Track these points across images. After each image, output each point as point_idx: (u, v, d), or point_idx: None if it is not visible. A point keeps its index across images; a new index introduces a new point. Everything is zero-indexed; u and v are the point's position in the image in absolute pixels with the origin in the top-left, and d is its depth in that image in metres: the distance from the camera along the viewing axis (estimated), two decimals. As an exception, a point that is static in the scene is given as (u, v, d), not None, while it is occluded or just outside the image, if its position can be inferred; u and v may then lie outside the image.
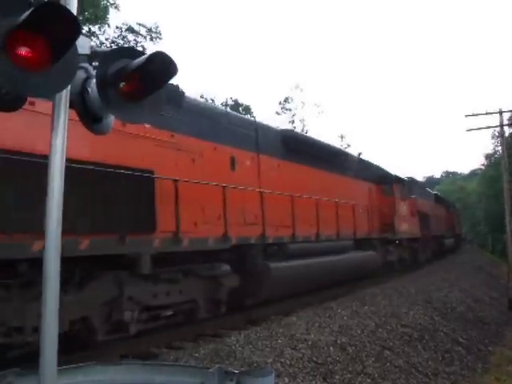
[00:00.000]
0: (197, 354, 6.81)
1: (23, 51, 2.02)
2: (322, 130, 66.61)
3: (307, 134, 15.68)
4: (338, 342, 8.07)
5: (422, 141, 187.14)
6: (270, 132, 12.49)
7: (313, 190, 12.99)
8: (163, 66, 2.32)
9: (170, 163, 8.24)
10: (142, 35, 27.01)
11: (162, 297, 8.12)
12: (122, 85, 2.36)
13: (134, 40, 26.82)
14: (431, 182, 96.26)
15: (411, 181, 25.42)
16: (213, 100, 36.68)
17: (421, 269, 23.24)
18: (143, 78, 2.36)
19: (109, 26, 24.73)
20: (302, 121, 44.59)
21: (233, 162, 10.23)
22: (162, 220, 7.75)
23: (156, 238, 7.68)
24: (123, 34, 26.81)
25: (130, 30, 26.79)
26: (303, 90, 45.47)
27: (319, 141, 15.75)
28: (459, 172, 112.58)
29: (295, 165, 12.65)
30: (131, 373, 3.05)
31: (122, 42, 26.12)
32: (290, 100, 44.81)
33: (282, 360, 6.89)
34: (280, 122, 40.32)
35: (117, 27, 26.57)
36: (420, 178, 72.69)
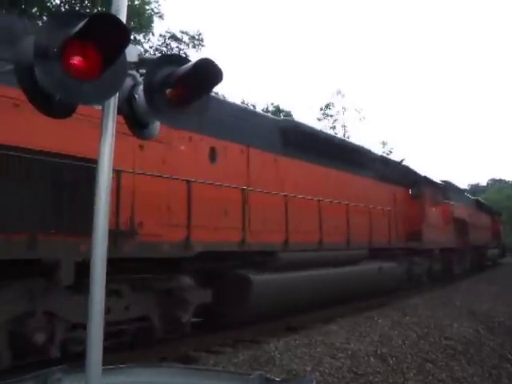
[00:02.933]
0: (236, 360, 6.82)
1: (76, 60, 2.10)
2: (364, 136, 65.79)
3: (313, 127, 13.52)
4: (379, 352, 7.90)
5: (468, 146, 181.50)
6: (265, 122, 11.10)
7: (318, 190, 11.41)
8: (209, 72, 2.35)
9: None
10: (184, 43, 27.58)
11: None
12: (168, 91, 2.40)
13: (177, 47, 27.40)
14: (476, 189, 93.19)
15: (446, 184, 22.60)
16: (254, 106, 36.90)
17: (460, 281, 21.98)
18: (189, 85, 2.39)
19: (153, 34, 25.37)
20: (343, 127, 44.22)
21: (213, 154, 8.95)
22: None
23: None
24: (166, 41, 27.44)
25: (174, 37, 27.37)
26: (345, 95, 45.02)
27: (328, 134, 14.21)
28: (507, 180, 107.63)
29: (296, 161, 11.09)
30: (171, 376, 3.08)
31: (165, 49, 26.70)
32: (331, 106, 44.55)
33: (321, 369, 6.80)
34: (321, 128, 40.22)
35: (160, 35, 27.26)
36: (464, 185, 70.16)
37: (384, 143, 46.28)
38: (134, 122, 2.56)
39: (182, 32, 27.57)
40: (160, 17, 24.58)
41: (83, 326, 5.96)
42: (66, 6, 19.85)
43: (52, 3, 19.95)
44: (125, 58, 2.24)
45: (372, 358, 7.59)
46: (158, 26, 39.38)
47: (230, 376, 3.02)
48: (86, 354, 2.29)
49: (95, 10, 18.88)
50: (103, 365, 2.33)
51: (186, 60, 2.48)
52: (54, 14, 14.95)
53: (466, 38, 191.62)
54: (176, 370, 3.12)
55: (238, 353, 7.43)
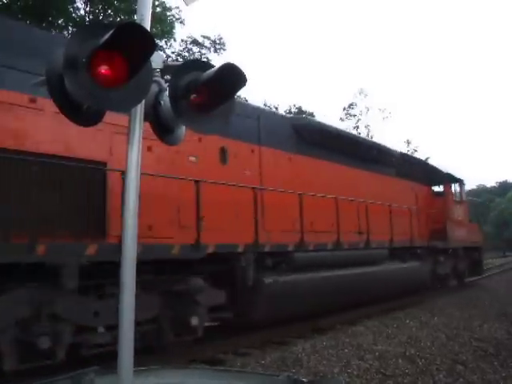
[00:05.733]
0: (263, 361, 6.84)
1: (103, 69, 2.16)
2: (388, 136, 65.04)
3: (329, 124, 12.92)
4: (407, 353, 7.81)
5: (495, 145, 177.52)
6: (277, 120, 10.84)
7: (334, 188, 10.97)
8: (233, 77, 2.39)
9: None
10: (206, 47, 27.79)
11: (105, 315, 6.25)
12: (192, 96, 2.44)
13: (199, 52, 27.65)
14: (505, 187, 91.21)
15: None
16: (276, 108, 36.89)
17: (487, 279, 21.60)
18: (213, 89, 2.43)
19: (174, 39, 25.61)
20: (366, 127, 43.81)
21: (223, 154, 8.85)
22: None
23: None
24: (188, 46, 27.71)
25: (195, 42, 27.62)
26: (368, 95, 44.60)
27: (343, 131, 13.61)
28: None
29: (311, 159, 10.76)
30: (201, 377, 3.12)
31: (187, 54, 26.98)
32: (354, 106, 44.21)
33: (349, 370, 6.77)
34: (344, 128, 40.04)
35: (182, 40, 27.52)
36: (492, 183, 68.25)
37: (408, 142, 45.63)
38: (160, 127, 2.61)
39: (204, 37, 27.85)
40: (181, 22, 24.84)
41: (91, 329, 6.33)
42: (91, 16, 20.25)
43: (77, 14, 20.38)
44: (150, 65, 2.30)
45: (400, 360, 7.51)
46: (180, 32, 39.75)
47: (259, 377, 3.04)
48: (117, 356, 2.34)
49: (118, 19, 19.22)
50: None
51: (209, 65, 2.52)
52: (82, 25, 15.24)
53: (490, 32, 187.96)
54: (205, 371, 3.16)
55: (265, 354, 7.45)
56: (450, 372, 7.49)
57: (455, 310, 12.13)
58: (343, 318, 10.82)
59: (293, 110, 39.59)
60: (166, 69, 2.60)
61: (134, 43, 2.09)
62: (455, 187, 17.92)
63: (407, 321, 10.38)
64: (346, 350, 7.70)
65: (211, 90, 2.43)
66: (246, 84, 2.40)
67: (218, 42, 27.98)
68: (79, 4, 20.40)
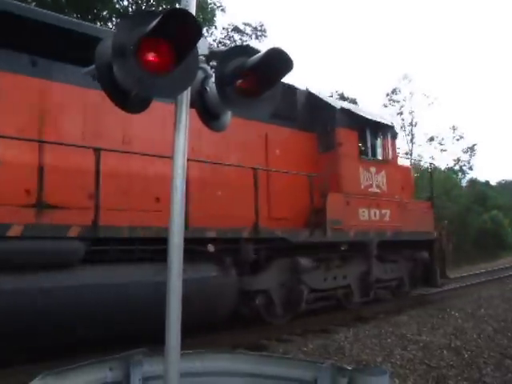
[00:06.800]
0: (305, 348, 6.87)
1: (150, 57, 2.18)
2: (433, 122, 63.12)
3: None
4: (452, 345, 7.64)
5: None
6: None
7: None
8: (279, 62, 2.36)
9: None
10: (247, 34, 27.72)
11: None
12: (238, 82, 2.44)
13: (240, 39, 27.60)
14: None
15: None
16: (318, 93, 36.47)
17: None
18: (260, 75, 2.41)
19: (216, 27, 25.66)
20: (410, 113, 42.65)
21: None
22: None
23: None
24: (229, 34, 27.72)
25: (236, 30, 27.59)
26: (412, 80, 43.31)
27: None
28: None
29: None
30: (245, 362, 3.15)
31: (228, 42, 26.99)
32: (397, 91, 43.09)
33: (392, 360, 6.70)
34: (388, 116, 39.20)
35: (223, 28, 27.56)
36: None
37: (454, 128, 44.13)
38: (206, 114, 2.62)
39: (245, 24, 27.80)
40: (222, 10, 24.88)
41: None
42: (133, 7, 20.54)
43: (120, 4, 20.73)
44: (196, 51, 2.30)
45: (445, 351, 7.36)
46: (220, 20, 39.79)
47: (303, 364, 3.04)
48: (165, 338, 2.39)
49: (160, 8, 19.40)
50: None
51: (255, 50, 2.51)
52: (129, 14, 15.43)
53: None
54: (250, 356, 3.18)
55: (307, 341, 7.47)
56: (499, 366, 7.27)
57: (503, 302, 11.75)
58: (386, 307, 10.71)
59: (335, 95, 39.03)
60: (212, 55, 2.60)
61: (181, 30, 2.10)
62: (370, 137, 10.91)
63: (453, 312, 10.16)
64: (389, 340, 7.62)
65: (257, 75, 2.41)
66: (293, 68, 2.37)
67: (259, 28, 27.90)
68: (123, -5, 20.76)
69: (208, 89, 2.55)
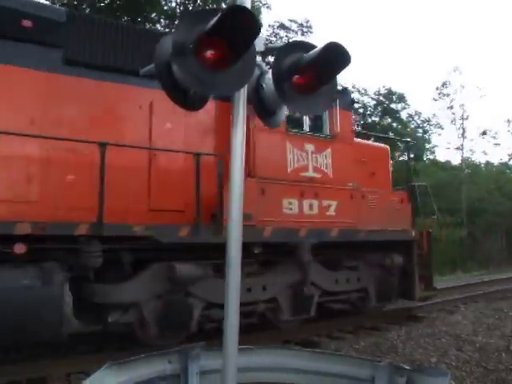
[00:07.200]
0: (357, 346, 6.78)
1: (209, 54, 2.21)
2: (486, 115, 60.48)
3: None
4: (511, 347, 7.34)
5: None
6: None
7: None
8: (337, 56, 2.33)
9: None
10: (293, 31, 27.61)
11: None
12: (295, 78, 2.43)
13: (286, 36, 27.53)
14: None
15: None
16: (365, 90, 35.81)
17: None
18: (317, 70, 2.40)
19: (261, 25, 25.69)
20: (461, 106, 41.13)
21: None
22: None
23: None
24: (275, 31, 27.70)
25: (282, 26, 27.54)
26: (462, 72, 41.75)
27: None
28: None
29: None
30: (300, 359, 3.15)
31: (274, 39, 26.98)
32: (447, 84, 41.64)
33: (447, 361, 6.50)
34: (437, 110, 37.96)
35: (269, 25, 27.56)
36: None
37: (509, 121, 42.17)
38: (262, 110, 2.63)
39: (291, 20, 27.70)
40: (268, 7, 24.91)
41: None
42: (181, 8, 20.87)
43: (169, 6, 21.12)
44: (253, 48, 2.31)
45: (503, 354, 7.07)
46: (266, 17, 39.89)
47: (359, 362, 3.01)
48: (223, 334, 2.42)
49: (207, 8, 19.63)
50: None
51: (312, 46, 2.49)
52: (187, 13, 15.69)
53: None
54: (305, 353, 3.18)
55: (359, 339, 7.37)
56: (562, 370, 6.94)
57: None
58: (440, 306, 10.44)
59: (382, 91, 38.22)
60: (267, 51, 2.60)
61: (239, 27, 2.11)
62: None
63: (510, 313, 9.74)
64: (444, 340, 7.41)
65: (315, 70, 2.39)
66: (350, 63, 2.34)
67: (305, 25, 27.73)
68: (171, -4, 21.13)
69: (264, 85, 2.56)
